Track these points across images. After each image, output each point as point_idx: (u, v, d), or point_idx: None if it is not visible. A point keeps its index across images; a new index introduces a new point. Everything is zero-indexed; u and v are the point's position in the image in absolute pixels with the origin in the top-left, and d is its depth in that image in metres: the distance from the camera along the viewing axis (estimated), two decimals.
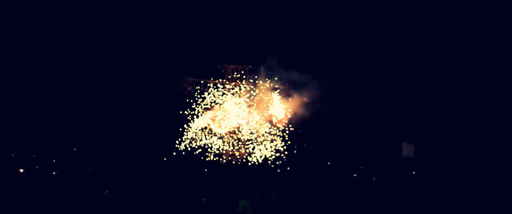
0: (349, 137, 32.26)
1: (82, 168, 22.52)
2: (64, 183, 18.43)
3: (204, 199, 14.04)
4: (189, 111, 29.63)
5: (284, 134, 30.24)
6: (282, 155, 30.03)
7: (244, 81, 30.29)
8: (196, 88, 29.76)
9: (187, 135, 29.80)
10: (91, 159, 22.49)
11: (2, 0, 29.60)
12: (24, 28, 30.39)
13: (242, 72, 30.40)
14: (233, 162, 29.93)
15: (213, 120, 29.98)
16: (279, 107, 30.25)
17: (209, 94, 29.92)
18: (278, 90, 30.02)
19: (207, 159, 29.33)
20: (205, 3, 30.33)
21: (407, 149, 26.87)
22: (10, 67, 30.12)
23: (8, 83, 29.92)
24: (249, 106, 30.18)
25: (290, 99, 30.04)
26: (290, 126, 30.18)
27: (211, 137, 29.94)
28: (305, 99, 29.38)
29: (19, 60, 30.46)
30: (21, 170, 22.59)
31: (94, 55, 31.38)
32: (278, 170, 28.20)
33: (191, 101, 29.67)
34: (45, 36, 30.79)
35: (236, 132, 30.25)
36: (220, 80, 30.17)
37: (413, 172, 26.63)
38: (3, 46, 29.75)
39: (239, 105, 30.09)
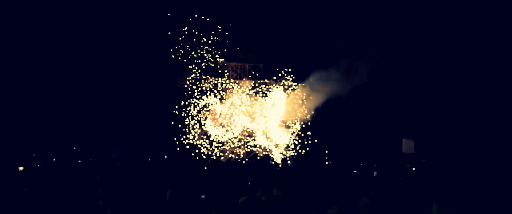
0: (349, 133, 32.30)
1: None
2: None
3: (202, 197, 13.99)
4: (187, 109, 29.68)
5: (288, 131, 30.23)
6: (285, 152, 30.04)
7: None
8: (196, 84, 29.74)
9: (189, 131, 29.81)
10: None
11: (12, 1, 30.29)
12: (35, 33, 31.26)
13: (243, 69, 30.43)
14: (234, 159, 29.94)
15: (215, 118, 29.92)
16: (282, 105, 30.23)
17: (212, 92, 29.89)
18: (282, 88, 29.99)
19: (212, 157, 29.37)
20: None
21: (408, 145, 26.90)
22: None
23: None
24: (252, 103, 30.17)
25: (292, 96, 30.01)
26: (292, 123, 30.18)
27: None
28: (310, 97, 29.34)
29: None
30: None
31: (95, 54, 32.06)
32: (288, 162, 27.97)
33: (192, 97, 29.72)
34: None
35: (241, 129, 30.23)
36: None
37: (413, 168, 26.64)
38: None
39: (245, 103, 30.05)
